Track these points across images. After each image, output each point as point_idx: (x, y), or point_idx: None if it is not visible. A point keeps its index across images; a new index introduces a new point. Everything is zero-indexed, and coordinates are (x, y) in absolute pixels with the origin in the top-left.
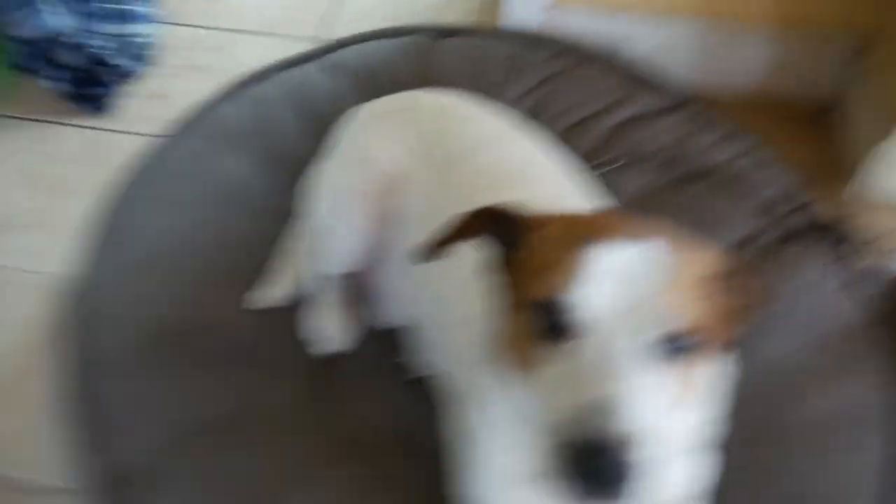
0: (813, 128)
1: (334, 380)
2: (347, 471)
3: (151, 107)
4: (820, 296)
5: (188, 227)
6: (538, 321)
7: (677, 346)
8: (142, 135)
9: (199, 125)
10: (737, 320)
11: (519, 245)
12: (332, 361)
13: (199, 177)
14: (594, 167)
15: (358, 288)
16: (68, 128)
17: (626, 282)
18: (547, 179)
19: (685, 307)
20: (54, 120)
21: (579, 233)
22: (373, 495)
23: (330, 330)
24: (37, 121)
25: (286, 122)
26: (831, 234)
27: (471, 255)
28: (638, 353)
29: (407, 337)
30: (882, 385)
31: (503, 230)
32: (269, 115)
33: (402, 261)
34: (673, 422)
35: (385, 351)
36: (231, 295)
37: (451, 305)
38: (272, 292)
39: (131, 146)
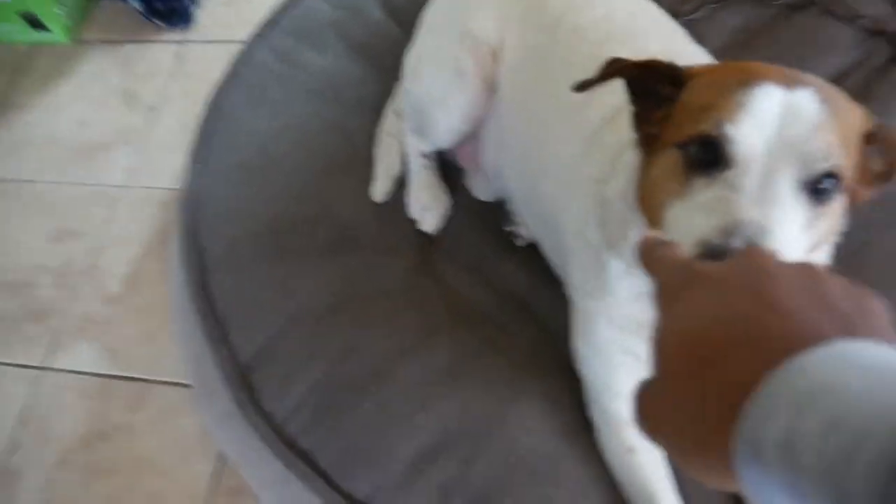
0: None
1: (443, 255)
2: (456, 337)
3: (234, 12)
4: None
5: (285, 125)
6: (694, 155)
7: (824, 188)
8: (230, 41)
9: (285, 23)
10: (876, 181)
11: (667, 96)
12: (440, 238)
13: (291, 75)
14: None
15: (459, 161)
16: (156, 44)
17: (782, 122)
18: (653, 32)
19: (834, 151)
20: (142, 38)
21: (736, 76)
22: (481, 358)
23: (430, 208)
24: (125, 42)
25: (371, 12)
26: None
27: (591, 118)
28: (791, 187)
29: (511, 206)
30: None
31: (652, 81)
32: (353, 4)
33: (506, 131)
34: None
35: (489, 223)
36: (336, 185)
37: (567, 169)
38: (382, 185)
39: (221, 55)
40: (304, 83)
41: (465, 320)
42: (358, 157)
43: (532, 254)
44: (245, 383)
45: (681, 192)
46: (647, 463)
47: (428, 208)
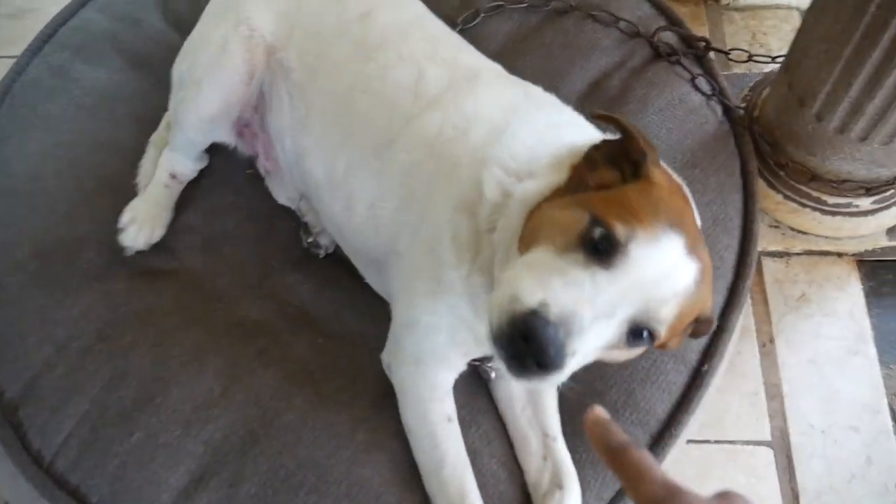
0: None
1: (223, 271)
2: (227, 354)
3: (20, 26)
4: (686, 108)
5: (57, 144)
6: (597, 236)
7: (640, 337)
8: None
9: (60, 36)
10: (684, 338)
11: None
12: (224, 253)
13: (65, 91)
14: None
15: (258, 166)
16: None
17: (663, 271)
18: (442, 40)
19: (669, 322)
20: None
21: (671, 214)
22: (252, 373)
23: (140, 224)
24: None
25: (152, 23)
26: (696, 48)
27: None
28: (623, 317)
29: (309, 215)
30: (739, 191)
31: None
32: (132, 15)
33: (316, 134)
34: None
35: (279, 235)
36: (106, 205)
37: (419, 199)
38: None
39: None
40: (78, 99)
41: (240, 336)
42: (130, 174)
43: (321, 263)
44: (11, 421)
45: (562, 247)
46: (455, 435)
47: (138, 223)
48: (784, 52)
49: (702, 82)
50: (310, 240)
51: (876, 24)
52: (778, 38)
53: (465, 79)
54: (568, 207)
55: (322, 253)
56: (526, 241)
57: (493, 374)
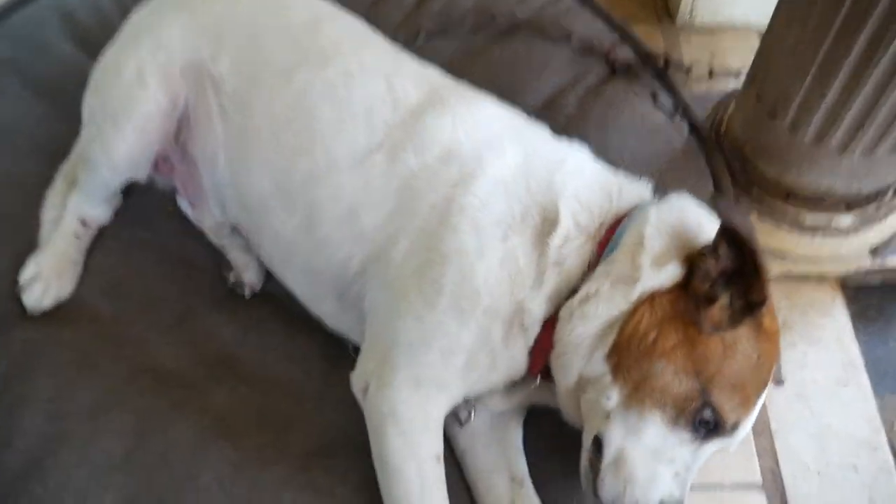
0: None
1: (134, 315)
2: (136, 409)
3: None
4: (649, 127)
5: None
6: (700, 414)
7: None
8: None
9: None
10: None
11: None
12: (134, 295)
13: None
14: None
15: (180, 191)
16: None
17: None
18: (398, 53)
19: None
20: None
21: (772, 361)
22: (165, 430)
23: (45, 281)
24: None
25: (58, 46)
26: (655, 65)
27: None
28: None
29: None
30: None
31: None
32: (36, 39)
33: (256, 158)
34: None
35: (200, 273)
36: (3, 253)
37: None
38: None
39: None
40: None
41: (150, 387)
42: (32, 214)
43: (248, 303)
44: None
45: (671, 420)
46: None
47: (43, 280)
48: (741, 75)
49: (664, 99)
50: (233, 280)
51: (849, 28)
52: (738, 57)
53: (447, 89)
54: (679, 375)
55: (248, 292)
56: (627, 367)
57: (471, 416)
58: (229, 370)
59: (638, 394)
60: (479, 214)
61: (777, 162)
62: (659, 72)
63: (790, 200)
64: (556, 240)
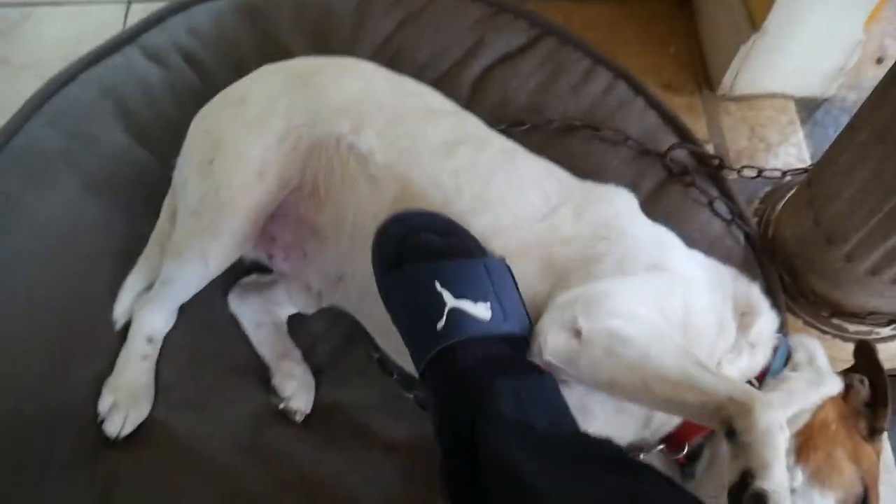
0: (682, 16)
1: (202, 435)
2: None
3: None
4: (710, 237)
5: (11, 294)
6: (858, 496)
7: None
8: None
9: (3, 158)
10: None
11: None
12: (201, 408)
13: (14, 225)
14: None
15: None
16: None
17: None
18: (494, 142)
19: None
20: None
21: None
22: None
23: (122, 409)
24: None
25: (112, 137)
26: (710, 166)
27: None
28: None
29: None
30: None
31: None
32: (87, 129)
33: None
34: None
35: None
36: (81, 374)
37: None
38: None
39: None
40: (32, 234)
41: None
42: (99, 326)
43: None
44: None
45: (840, 496)
46: None
47: (121, 408)
48: (781, 146)
49: (720, 206)
50: (280, 406)
51: None
52: (776, 130)
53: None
54: (850, 462)
55: (299, 418)
56: (814, 447)
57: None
58: (309, 496)
59: (821, 473)
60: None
61: (828, 281)
62: (713, 175)
63: (836, 315)
64: (757, 325)
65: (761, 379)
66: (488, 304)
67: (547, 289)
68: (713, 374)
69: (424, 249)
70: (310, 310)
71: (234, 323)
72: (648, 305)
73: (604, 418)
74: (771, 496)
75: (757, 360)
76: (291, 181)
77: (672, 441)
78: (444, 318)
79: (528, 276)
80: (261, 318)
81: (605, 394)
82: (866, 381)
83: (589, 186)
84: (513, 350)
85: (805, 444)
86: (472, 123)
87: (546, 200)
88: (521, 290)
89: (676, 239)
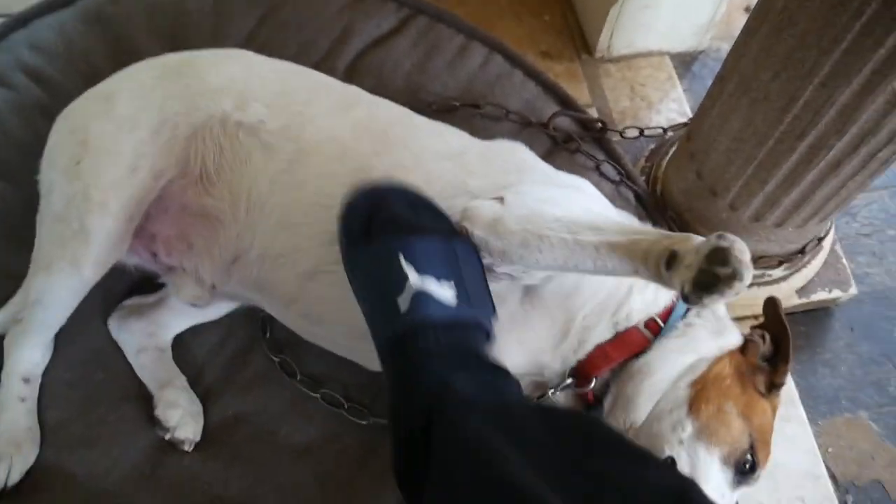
0: None
1: (98, 472)
2: None
3: None
4: None
5: None
6: (743, 458)
7: None
8: None
9: None
10: None
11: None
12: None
13: None
14: None
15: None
16: None
17: None
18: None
19: None
20: None
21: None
22: None
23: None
24: None
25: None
26: (593, 131)
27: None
28: None
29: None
30: None
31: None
32: None
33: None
34: None
35: None
36: None
37: None
38: None
39: None
40: None
41: None
42: None
43: (218, 434)
44: None
45: (724, 459)
46: None
47: (2, 457)
48: (662, 103)
49: (607, 168)
50: (167, 437)
51: (794, 132)
52: (656, 87)
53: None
54: (740, 418)
55: (188, 447)
56: (706, 399)
57: None
58: None
59: (709, 427)
60: None
61: (717, 231)
62: (598, 139)
63: None
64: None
65: (665, 318)
66: (454, 287)
67: (461, 205)
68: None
69: (394, 222)
70: (202, 304)
71: (119, 349)
72: (570, 202)
73: (525, 325)
74: (730, 237)
75: (663, 295)
76: (168, 171)
77: (581, 374)
78: (408, 298)
79: (439, 199)
80: (143, 342)
81: (534, 270)
82: (767, 336)
83: (486, 142)
84: (476, 341)
85: (698, 395)
86: (363, 92)
87: (448, 146)
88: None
89: (587, 181)
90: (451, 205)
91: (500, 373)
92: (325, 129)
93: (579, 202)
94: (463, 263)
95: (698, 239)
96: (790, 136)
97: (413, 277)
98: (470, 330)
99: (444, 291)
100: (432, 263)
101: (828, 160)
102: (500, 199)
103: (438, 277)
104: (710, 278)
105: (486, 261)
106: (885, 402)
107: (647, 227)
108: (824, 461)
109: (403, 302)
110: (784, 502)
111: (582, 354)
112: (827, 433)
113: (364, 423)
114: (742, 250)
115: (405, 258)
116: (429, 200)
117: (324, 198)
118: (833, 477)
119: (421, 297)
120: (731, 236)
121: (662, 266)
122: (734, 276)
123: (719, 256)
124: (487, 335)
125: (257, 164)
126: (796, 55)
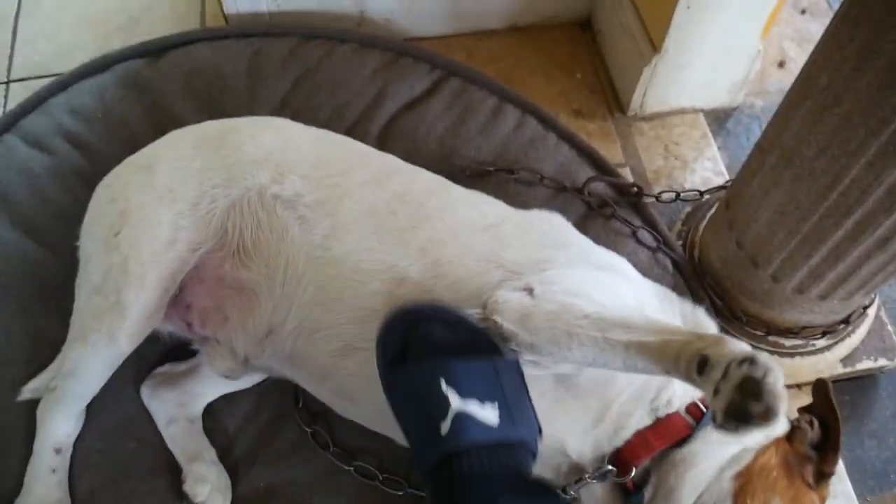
0: (585, 42)
1: None
2: None
3: None
4: (636, 265)
5: None
6: None
7: None
8: None
9: None
10: None
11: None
12: None
13: None
14: None
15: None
16: None
17: None
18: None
19: None
20: None
21: None
22: None
23: None
24: None
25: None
26: (628, 195)
27: None
28: None
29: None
30: None
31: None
32: None
33: None
34: None
35: None
36: None
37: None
38: None
39: None
40: None
41: None
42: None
43: None
44: None
45: None
46: None
47: None
48: (697, 161)
49: (644, 235)
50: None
51: (839, 209)
52: (690, 146)
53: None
54: None
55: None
56: (751, 492)
57: None
58: None
59: None
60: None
61: (758, 301)
62: (634, 203)
63: (771, 333)
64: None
65: (706, 403)
66: (496, 408)
67: (496, 281)
68: (675, 324)
69: (431, 343)
70: (234, 377)
71: (151, 418)
72: (604, 291)
73: (557, 408)
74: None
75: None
76: (205, 243)
77: (620, 461)
78: (450, 421)
79: (474, 272)
80: (174, 412)
81: (563, 363)
82: (815, 423)
83: (523, 211)
84: (520, 463)
85: (743, 488)
86: (399, 161)
87: (484, 217)
88: (466, 284)
89: (621, 257)
90: (484, 280)
91: (547, 494)
92: (361, 202)
93: (612, 289)
94: (505, 382)
95: (731, 345)
96: (836, 213)
97: (455, 401)
98: (514, 450)
99: (486, 413)
100: (474, 386)
101: (875, 237)
102: (530, 291)
103: (482, 400)
104: (742, 413)
105: (515, 350)
106: None
107: (679, 328)
108: None
109: (445, 425)
110: None
111: (619, 442)
112: None
113: (400, 493)
114: (775, 381)
115: (447, 382)
116: (464, 318)
117: (360, 274)
118: None
119: (464, 419)
120: (764, 360)
121: (694, 371)
122: (767, 414)
123: (751, 389)
124: (533, 455)
125: (294, 238)
126: (842, 134)
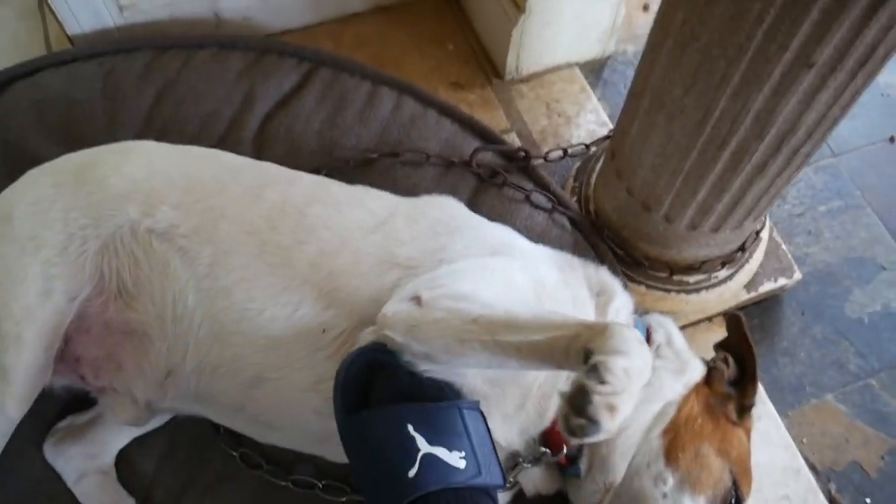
0: (452, 12)
1: None
2: None
3: None
4: (537, 231)
5: None
6: (728, 498)
7: None
8: None
9: None
10: None
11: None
12: None
13: None
14: None
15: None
16: None
17: None
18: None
19: None
20: None
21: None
22: None
23: None
24: None
25: None
26: (517, 160)
27: None
28: None
29: None
30: None
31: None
32: None
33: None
34: None
35: None
36: None
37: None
38: None
39: None
40: None
41: None
42: None
43: None
44: None
45: (710, 495)
46: None
47: None
48: (580, 115)
49: (538, 198)
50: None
51: (714, 143)
52: (570, 102)
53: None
54: (718, 457)
55: None
56: (681, 446)
57: None
58: None
59: (690, 475)
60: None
61: (657, 244)
62: (523, 168)
63: (674, 272)
64: (614, 304)
65: None
66: (463, 453)
67: (392, 282)
68: (563, 315)
69: (394, 390)
70: (140, 423)
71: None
72: (494, 284)
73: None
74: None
75: None
76: (83, 290)
77: (551, 442)
78: (417, 465)
79: (370, 278)
80: (83, 466)
81: (463, 369)
82: (730, 360)
83: (412, 200)
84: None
85: (672, 443)
86: (273, 168)
87: (372, 215)
88: (364, 292)
89: (515, 232)
90: (382, 283)
91: None
92: (239, 221)
93: (505, 279)
94: (471, 427)
95: (613, 337)
96: (712, 146)
97: (423, 445)
98: (482, 495)
99: (454, 460)
100: (441, 431)
101: (753, 163)
102: (418, 300)
103: (449, 447)
104: (572, 428)
105: (412, 361)
106: (847, 381)
107: (566, 320)
108: (801, 453)
109: (413, 469)
110: (771, 502)
111: (546, 423)
112: (798, 423)
113: (343, 500)
114: (610, 391)
115: (414, 427)
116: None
117: (253, 302)
118: (812, 467)
119: (433, 461)
120: (610, 363)
121: (582, 364)
122: (587, 429)
123: (576, 402)
124: (494, 501)
125: (177, 271)
126: (704, 68)
